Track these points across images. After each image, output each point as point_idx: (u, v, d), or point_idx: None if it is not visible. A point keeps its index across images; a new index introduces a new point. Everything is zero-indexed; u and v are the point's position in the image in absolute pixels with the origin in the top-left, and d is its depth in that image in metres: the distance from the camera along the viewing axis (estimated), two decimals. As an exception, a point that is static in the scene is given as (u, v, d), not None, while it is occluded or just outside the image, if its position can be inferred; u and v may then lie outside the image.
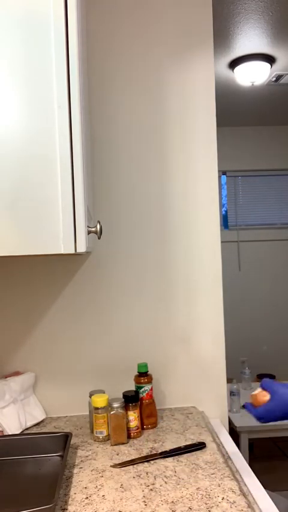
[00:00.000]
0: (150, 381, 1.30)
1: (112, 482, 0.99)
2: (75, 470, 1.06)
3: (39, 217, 0.93)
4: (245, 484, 0.95)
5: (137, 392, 1.26)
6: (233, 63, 2.94)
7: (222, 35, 2.57)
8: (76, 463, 1.09)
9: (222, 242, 1.42)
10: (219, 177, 4.35)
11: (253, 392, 0.96)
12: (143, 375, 1.30)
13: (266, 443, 3.39)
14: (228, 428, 1.46)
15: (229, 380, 3.09)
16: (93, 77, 1.43)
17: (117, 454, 1.13)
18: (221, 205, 4.35)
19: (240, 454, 1.18)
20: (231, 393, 2.89)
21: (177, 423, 1.32)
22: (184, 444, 1.15)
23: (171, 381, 1.45)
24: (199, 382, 1.46)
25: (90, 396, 1.24)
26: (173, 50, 1.44)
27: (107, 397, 1.20)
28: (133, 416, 1.22)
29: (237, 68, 2.95)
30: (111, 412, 1.17)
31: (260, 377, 3.84)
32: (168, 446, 1.16)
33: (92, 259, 1.43)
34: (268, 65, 2.94)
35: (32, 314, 1.42)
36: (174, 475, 1.01)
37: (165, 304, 1.45)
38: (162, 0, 1.44)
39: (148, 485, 0.97)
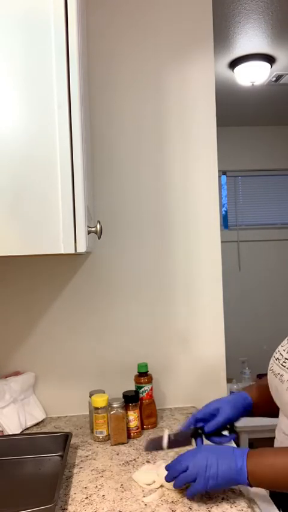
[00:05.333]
0: (150, 381, 1.30)
1: (112, 482, 0.99)
2: (75, 470, 1.05)
3: (40, 218, 0.93)
4: (245, 484, 0.95)
5: (137, 392, 1.26)
6: (233, 63, 2.94)
7: (222, 35, 2.56)
8: (76, 463, 1.09)
9: (222, 242, 1.42)
10: (219, 177, 4.35)
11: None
12: (143, 374, 1.30)
13: (266, 443, 3.39)
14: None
15: (229, 380, 3.09)
16: (93, 77, 1.42)
17: (117, 454, 1.13)
18: (221, 205, 4.35)
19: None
20: (231, 393, 2.88)
21: (177, 423, 1.32)
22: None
23: (171, 381, 1.45)
24: (199, 382, 1.46)
25: (90, 396, 1.24)
26: (173, 50, 1.44)
27: (107, 397, 1.20)
28: (133, 416, 1.22)
29: (237, 68, 2.95)
30: (111, 412, 1.17)
31: (259, 377, 3.84)
32: (168, 446, 1.16)
33: (92, 259, 1.43)
34: (268, 65, 2.94)
35: (32, 314, 1.42)
36: (174, 475, 1.01)
37: (165, 304, 1.45)
38: (162, 1, 1.44)
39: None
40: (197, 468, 0.84)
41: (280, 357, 0.96)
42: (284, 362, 0.93)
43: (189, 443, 1.00)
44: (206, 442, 1.00)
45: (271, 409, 0.99)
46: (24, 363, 1.41)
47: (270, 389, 0.98)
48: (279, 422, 0.97)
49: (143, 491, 0.94)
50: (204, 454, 0.85)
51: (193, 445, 0.99)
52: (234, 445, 1.07)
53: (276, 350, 1.01)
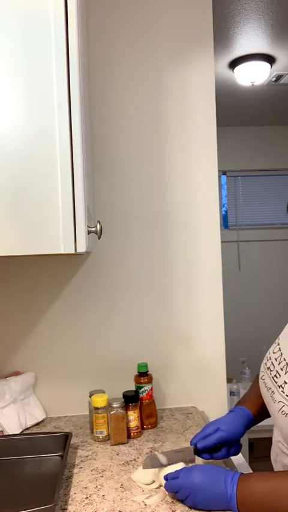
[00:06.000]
0: (150, 381, 1.30)
1: (112, 482, 0.99)
2: (75, 470, 1.05)
3: (40, 218, 0.93)
4: (245, 484, 0.95)
5: (137, 392, 1.26)
6: (233, 63, 2.94)
7: (222, 35, 2.56)
8: (76, 463, 1.09)
9: (222, 242, 1.42)
10: (219, 177, 4.35)
11: None
12: (143, 374, 1.30)
13: (266, 443, 3.39)
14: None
15: (229, 380, 3.09)
16: (93, 77, 1.42)
17: (117, 454, 1.13)
18: (221, 205, 4.35)
19: (240, 454, 1.18)
20: (231, 393, 2.88)
21: (177, 423, 1.32)
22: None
23: (171, 381, 1.45)
24: (199, 382, 1.46)
25: (90, 396, 1.24)
26: (173, 50, 1.44)
27: (107, 397, 1.20)
28: (133, 416, 1.22)
29: (237, 68, 2.95)
30: (111, 412, 1.17)
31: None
32: (169, 446, 1.16)
33: (92, 259, 1.43)
34: (268, 65, 2.94)
35: (32, 314, 1.42)
36: (174, 475, 1.00)
37: (165, 304, 1.45)
38: (162, 1, 1.44)
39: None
40: (189, 490, 0.85)
41: (272, 367, 0.92)
42: (275, 376, 0.90)
43: (192, 460, 0.98)
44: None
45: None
46: (24, 363, 1.41)
47: (264, 399, 0.96)
48: (274, 429, 0.96)
49: (143, 491, 0.94)
50: (196, 476, 0.86)
51: (196, 461, 0.98)
52: (224, 465, 1.05)
53: (268, 356, 0.97)
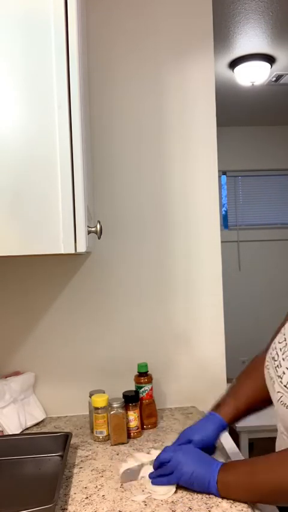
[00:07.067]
0: (150, 381, 1.30)
1: (112, 482, 0.99)
2: (75, 470, 1.05)
3: (39, 218, 0.93)
4: (245, 484, 0.95)
5: (137, 392, 1.26)
6: (233, 63, 2.94)
7: (222, 35, 2.56)
8: (76, 463, 1.09)
9: (222, 242, 1.43)
10: (219, 177, 4.35)
11: None
12: (143, 374, 1.30)
13: (266, 443, 3.38)
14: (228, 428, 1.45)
15: (229, 380, 3.08)
16: (93, 77, 1.42)
17: (117, 454, 1.13)
18: (221, 205, 4.35)
19: (240, 454, 1.18)
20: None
21: (177, 423, 1.32)
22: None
23: (171, 381, 1.45)
24: (199, 382, 1.46)
25: (90, 396, 1.24)
26: (173, 50, 1.44)
27: (107, 397, 1.20)
28: (133, 416, 1.22)
29: (237, 68, 2.96)
30: (111, 412, 1.17)
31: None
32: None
33: (92, 259, 1.43)
34: (268, 65, 2.94)
35: (31, 314, 1.42)
36: (174, 475, 1.00)
37: (166, 304, 1.45)
38: (162, 1, 1.44)
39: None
40: (176, 462, 0.91)
41: (276, 357, 0.92)
42: (278, 366, 0.90)
43: None
44: None
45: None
46: (24, 363, 1.41)
47: (268, 387, 0.96)
48: (277, 420, 0.96)
49: (142, 491, 0.94)
50: (185, 457, 0.92)
51: None
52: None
53: (273, 345, 0.96)
